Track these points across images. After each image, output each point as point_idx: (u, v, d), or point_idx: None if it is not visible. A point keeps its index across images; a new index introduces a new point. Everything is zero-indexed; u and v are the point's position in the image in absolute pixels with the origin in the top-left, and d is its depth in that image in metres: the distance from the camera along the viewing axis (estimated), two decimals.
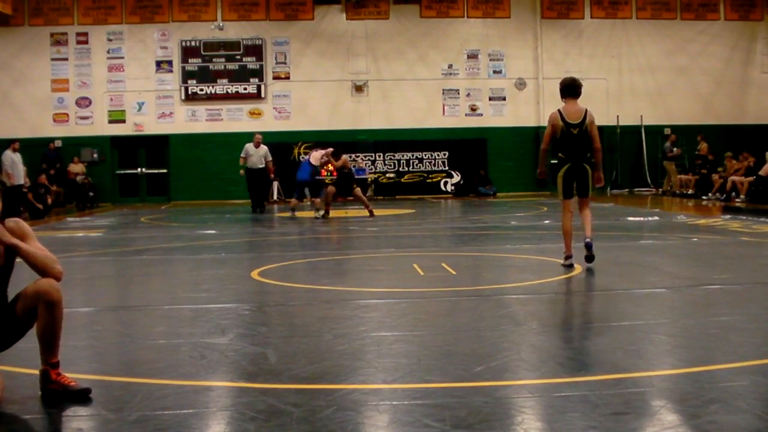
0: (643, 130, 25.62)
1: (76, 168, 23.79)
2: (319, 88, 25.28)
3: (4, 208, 4.22)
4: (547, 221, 14.90)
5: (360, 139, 25.32)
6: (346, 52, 25.37)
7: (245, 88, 25.07)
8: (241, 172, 19.48)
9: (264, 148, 19.40)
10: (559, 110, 8.14)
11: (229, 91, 25.03)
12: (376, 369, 4.42)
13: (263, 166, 19.36)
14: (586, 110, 8.14)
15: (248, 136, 24.92)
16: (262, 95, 25.15)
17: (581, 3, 25.91)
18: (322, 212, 16.79)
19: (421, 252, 10.21)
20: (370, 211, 16.58)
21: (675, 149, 23.89)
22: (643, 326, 5.45)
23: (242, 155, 19.42)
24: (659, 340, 5.04)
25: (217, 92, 25.02)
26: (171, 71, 25.01)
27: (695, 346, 4.90)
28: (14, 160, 18.53)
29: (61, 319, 3.95)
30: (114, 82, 24.85)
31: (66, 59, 24.70)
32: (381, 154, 25.42)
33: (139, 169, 25.47)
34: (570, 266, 8.05)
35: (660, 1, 26.21)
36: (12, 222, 4.05)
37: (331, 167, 18.42)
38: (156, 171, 25.41)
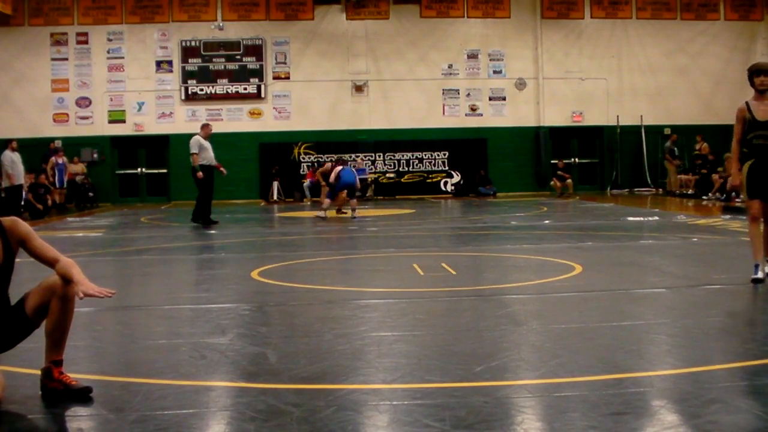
0: (643, 130, 25.61)
1: (76, 168, 23.78)
2: (319, 88, 25.28)
3: (5, 208, 4.19)
4: (547, 221, 14.90)
5: (360, 139, 25.32)
6: (346, 52, 25.37)
7: (245, 88, 25.07)
8: (200, 174, 14.88)
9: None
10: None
11: (229, 91, 25.03)
12: (376, 369, 4.42)
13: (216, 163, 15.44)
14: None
15: (249, 136, 25.09)
16: (262, 95, 25.14)
17: (581, 3, 25.90)
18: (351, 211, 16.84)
19: (421, 252, 10.20)
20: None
21: (675, 150, 23.87)
22: (643, 326, 5.45)
23: (194, 151, 14.99)
24: (659, 340, 5.04)
25: (217, 92, 25.03)
26: (171, 71, 25.02)
27: (695, 346, 4.90)
28: (14, 159, 18.48)
29: (72, 316, 3.94)
30: (114, 82, 24.86)
31: (66, 59, 24.71)
32: (381, 154, 25.42)
33: (139, 169, 25.49)
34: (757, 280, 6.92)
35: (660, 1, 26.21)
36: (9, 221, 3.98)
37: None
38: (156, 171, 25.43)
